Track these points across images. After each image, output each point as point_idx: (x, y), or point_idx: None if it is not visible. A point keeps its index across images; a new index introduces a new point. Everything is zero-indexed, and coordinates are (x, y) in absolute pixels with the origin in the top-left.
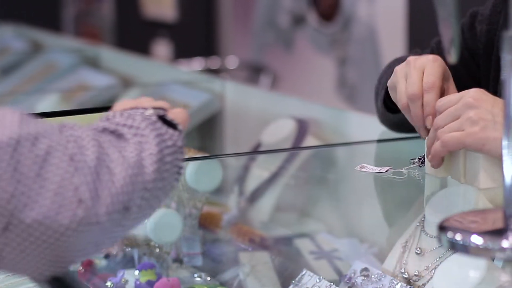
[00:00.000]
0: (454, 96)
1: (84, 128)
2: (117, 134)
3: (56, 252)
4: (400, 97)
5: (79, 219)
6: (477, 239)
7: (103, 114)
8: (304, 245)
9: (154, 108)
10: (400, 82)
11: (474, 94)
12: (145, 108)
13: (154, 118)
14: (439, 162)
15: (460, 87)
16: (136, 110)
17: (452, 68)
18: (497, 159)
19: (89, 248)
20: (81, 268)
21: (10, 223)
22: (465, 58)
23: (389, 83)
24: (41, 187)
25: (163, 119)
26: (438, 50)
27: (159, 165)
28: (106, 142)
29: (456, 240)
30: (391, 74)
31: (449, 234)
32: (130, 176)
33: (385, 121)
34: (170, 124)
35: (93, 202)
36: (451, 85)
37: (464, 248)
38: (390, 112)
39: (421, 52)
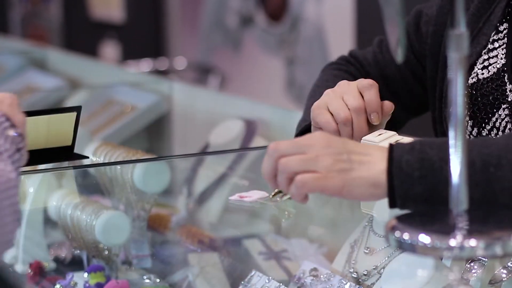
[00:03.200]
0: (305, 137)
1: None
2: None
3: None
4: (328, 122)
5: None
6: (424, 238)
7: (50, 116)
8: (253, 246)
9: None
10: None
11: (321, 136)
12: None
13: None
14: (304, 199)
15: (407, 91)
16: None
17: (398, 71)
18: None
19: None
20: (30, 271)
21: None
22: (412, 61)
23: (318, 103)
24: None
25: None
26: (380, 50)
27: None
28: None
29: (403, 239)
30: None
31: (397, 233)
32: None
33: None
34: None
35: None
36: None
37: (411, 247)
38: None
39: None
